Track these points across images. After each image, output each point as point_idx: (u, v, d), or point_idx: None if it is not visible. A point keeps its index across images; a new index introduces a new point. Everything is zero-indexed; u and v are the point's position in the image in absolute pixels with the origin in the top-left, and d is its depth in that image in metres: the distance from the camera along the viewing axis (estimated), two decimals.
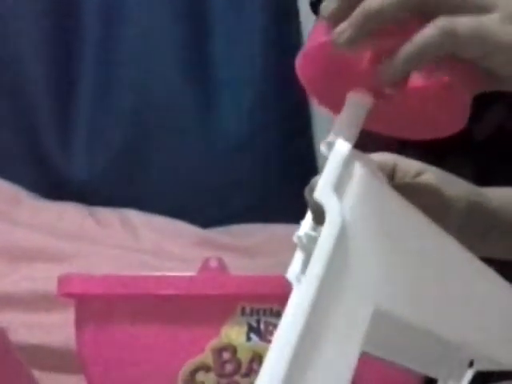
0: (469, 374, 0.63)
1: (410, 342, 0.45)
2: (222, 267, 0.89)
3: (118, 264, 1.34)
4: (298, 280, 0.37)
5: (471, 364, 0.62)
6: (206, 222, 1.57)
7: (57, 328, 1.18)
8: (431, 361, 0.55)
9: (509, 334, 0.46)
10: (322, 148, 0.37)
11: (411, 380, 0.87)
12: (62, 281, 0.87)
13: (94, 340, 0.86)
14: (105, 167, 1.60)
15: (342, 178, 0.36)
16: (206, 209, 1.59)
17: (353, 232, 0.35)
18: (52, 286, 0.88)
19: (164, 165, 1.62)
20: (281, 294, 0.51)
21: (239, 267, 0.98)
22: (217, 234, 1.50)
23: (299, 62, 0.40)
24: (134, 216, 1.52)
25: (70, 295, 0.88)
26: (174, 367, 0.86)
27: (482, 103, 0.69)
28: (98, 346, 0.86)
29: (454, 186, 0.56)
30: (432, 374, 0.60)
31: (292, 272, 0.54)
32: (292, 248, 0.64)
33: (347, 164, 0.36)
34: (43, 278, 1.25)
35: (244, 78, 1.60)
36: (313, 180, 0.62)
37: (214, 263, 0.89)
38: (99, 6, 1.63)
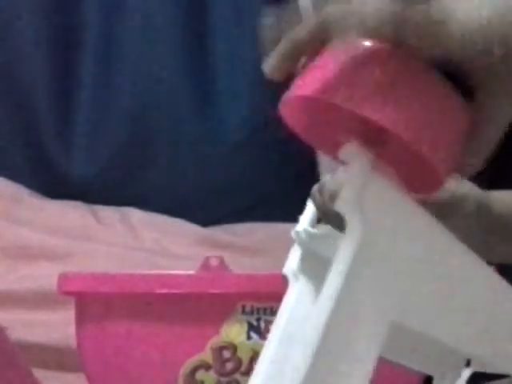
0: (465, 374, 0.63)
1: (412, 345, 0.44)
2: (223, 266, 0.89)
3: (119, 262, 1.34)
4: (295, 276, 0.36)
5: (468, 364, 0.62)
6: (206, 220, 1.57)
7: (58, 326, 1.18)
8: (428, 359, 0.55)
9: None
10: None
11: (413, 378, 0.87)
12: (62, 279, 0.87)
13: (94, 338, 0.86)
14: (105, 166, 1.60)
15: (365, 189, 0.35)
16: (207, 207, 1.60)
17: (373, 247, 0.34)
18: (53, 285, 0.88)
19: (164, 163, 1.62)
20: (281, 292, 0.52)
21: (240, 266, 0.98)
22: (217, 232, 1.50)
23: (282, 109, 0.38)
24: (135, 214, 1.52)
25: (69, 293, 0.88)
26: (174, 365, 0.86)
27: None
28: (98, 344, 0.86)
29: (464, 186, 0.56)
30: (428, 372, 0.60)
31: (289, 268, 0.54)
32: (291, 246, 0.64)
33: (369, 175, 0.35)
34: (44, 276, 1.26)
35: (243, 78, 1.60)
36: (323, 180, 0.62)
37: (214, 262, 0.89)
38: (99, 5, 1.63)
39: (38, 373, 0.87)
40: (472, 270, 0.41)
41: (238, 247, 1.42)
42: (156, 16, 1.64)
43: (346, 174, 0.35)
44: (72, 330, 0.88)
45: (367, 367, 0.34)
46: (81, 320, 0.87)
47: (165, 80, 1.62)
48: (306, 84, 0.36)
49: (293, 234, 0.62)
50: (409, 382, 0.87)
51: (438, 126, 0.35)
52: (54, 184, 1.60)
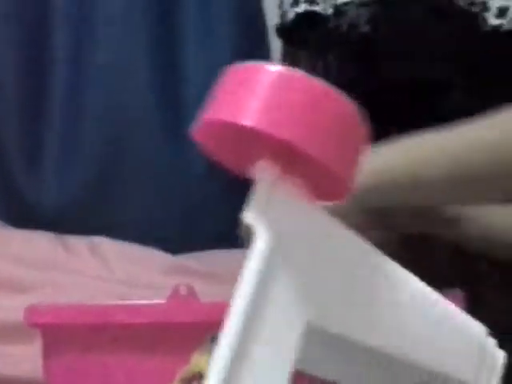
0: None
1: (349, 361, 0.45)
2: (192, 294, 0.89)
3: (88, 293, 1.33)
4: None
5: None
6: (177, 248, 1.56)
7: (26, 359, 1.17)
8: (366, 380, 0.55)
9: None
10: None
11: None
12: (29, 311, 0.86)
13: (61, 371, 0.85)
14: (74, 195, 1.59)
15: (270, 200, 0.37)
16: (177, 235, 1.59)
17: (281, 251, 0.37)
18: (21, 317, 0.87)
19: (134, 192, 1.62)
20: None
21: (209, 294, 0.97)
22: (187, 260, 1.50)
23: (194, 135, 0.39)
24: (104, 244, 1.51)
25: (36, 325, 0.87)
26: None
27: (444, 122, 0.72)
28: (65, 377, 0.85)
29: None
30: None
31: None
32: None
33: (275, 187, 0.38)
34: (12, 308, 1.24)
35: None
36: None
37: (183, 290, 0.88)
38: (70, 26, 1.63)
39: None
40: (375, 267, 0.43)
41: (208, 275, 1.42)
42: (126, 47, 1.64)
43: (254, 189, 0.38)
44: (40, 362, 0.87)
45: (282, 369, 0.36)
46: (48, 352, 0.86)
47: (134, 112, 1.62)
48: (213, 108, 0.38)
49: None
50: None
51: (341, 140, 0.38)
52: (23, 214, 1.58)
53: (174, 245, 1.55)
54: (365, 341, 0.41)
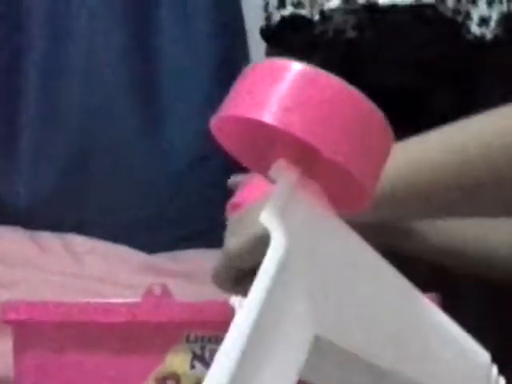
0: None
1: (342, 371, 0.45)
2: (166, 293, 0.88)
3: (61, 291, 1.31)
4: (241, 306, 0.36)
5: None
6: (151, 247, 1.55)
7: None
8: None
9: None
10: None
11: None
12: (1, 307, 0.85)
13: (32, 368, 0.84)
14: (47, 191, 1.58)
15: (288, 203, 0.36)
16: (152, 234, 1.58)
17: (296, 258, 0.35)
18: None
19: (109, 189, 1.60)
20: (226, 320, 0.51)
21: (184, 294, 0.96)
22: (162, 259, 1.49)
23: (213, 130, 0.37)
24: (78, 241, 1.50)
25: (8, 322, 0.85)
26: None
27: (424, 128, 0.71)
28: (36, 374, 0.84)
29: None
30: None
31: (235, 298, 0.54)
32: None
33: (294, 190, 0.36)
34: None
35: (190, 104, 1.59)
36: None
37: (157, 290, 0.87)
38: (44, 24, 1.61)
39: None
40: (389, 282, 0.42)
41: (182, 275, 1.41)
42: (101, 43, 1.63)
43: (272, 191, 0.36)
44: (11, 359, 0.86)
45: (289, 379, 0.35)
46: (18, 350, 0.85)
47: (108, 107, 1.60)
48: (237, 104, 0.36)
49: None
50: None
51: (365, 146, 0.36)
52: None
53: (148, 243, 1.54)
54: (370, 359, 0.40)
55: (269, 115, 0.35)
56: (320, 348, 0.36)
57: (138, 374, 0.84)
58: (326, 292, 0.37)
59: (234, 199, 0.82)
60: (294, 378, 0.35)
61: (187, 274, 1.40)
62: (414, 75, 1.02)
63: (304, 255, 0.36)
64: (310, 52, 1.07)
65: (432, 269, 0.91)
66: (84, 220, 1.56)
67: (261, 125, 0.35)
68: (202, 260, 1.46)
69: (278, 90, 0.35)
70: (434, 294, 0.76)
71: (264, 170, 0.39)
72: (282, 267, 0.34)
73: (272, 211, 0.35)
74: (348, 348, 0.38)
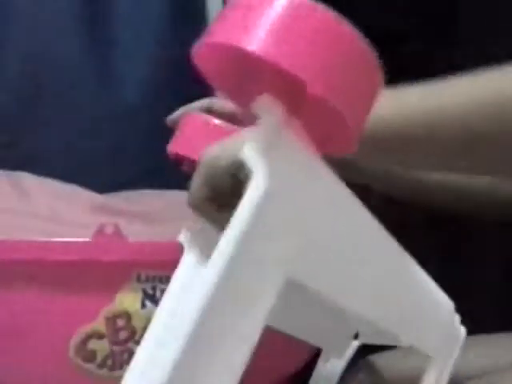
0: (353, 346, 0.65)
1: (303, 312, 0.45)
2: (118, 233, 0.87)
3: (9, 229, 1.30)
4: (189, 244, 0.36)
5: (356, 336, 0.64)
6: (102, 187, 1.53)
7: None
8: (318, 331, 0.55)
9: (406, 313, 0.47)
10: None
11: (302, 352, 0.88)
12: None
13: None
14: None
15: (272, 142, 0.34)
16: (103, 173, 1.56)
17: (274, 201, 0.34)
18: None
19: (58, 127, 1.58)
20: (177, 260, 0.50)
21: (136, 234, 0.96)
22: (114, 199, 1.47)
23: (195, 57, 0.36)
24: (27, 179, 1.47)
25: None
26: (65, 335, 0.84)
27: (403, 74, 0.70)
28: None
29: None
30: (317, 344, 0.60)
31: (185, 235, 0.53)
32: (189, 215, 0.63)
33: (279, 127, 0.35)
34: None
35: (144, 36, 1.56)
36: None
37: (109, 229, 0.87)
38: None
39: None
40: (369, 231, 0.42)
41: (134, 215, 1.40)
42: None
43: (256, 126, 0.35)
44: None
45: (258, 322, 0.34)
46: None
47: (59, 37, 1.56)
48: (225, 32, 0.34)
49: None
50: (298, 355, 0.88)
51: (354, 84, 0.35)
52: None
53: (99, 183, 1.52)
54: (338, 300, 0.40)
55: (257, 45, 0.33)
56: (290, 292, 0.36)
57: (89, 313, 0.84)
58: (303, 235, 0.36)
59: (175, 149, 0.80)
60: (263, 322, 0.34)
61: (139, 215, 1.39)
62: (387, 19, 1.02)
63: (283, 198, 0.35)
64: None
65: (386, 205, 0.92)
66: (32, 158, 1.54)
67: (248, 55, 0.34)
68: (155, 200, 1.45)
69: (268, 21, 0.34)
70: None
71: (245, 104, 0.38)
72: (259, 211, 0.33)
73: (254, 149, 0.34)
74: (319, 291, 0.38)
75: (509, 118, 0.60)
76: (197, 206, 0.58)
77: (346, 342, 0.63)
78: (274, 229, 0.34)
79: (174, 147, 0.79)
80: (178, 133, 0.81)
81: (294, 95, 0.35)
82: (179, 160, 0.79)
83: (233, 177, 0.43)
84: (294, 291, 0.36)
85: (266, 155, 0.33)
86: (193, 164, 0.65)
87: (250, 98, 0.37)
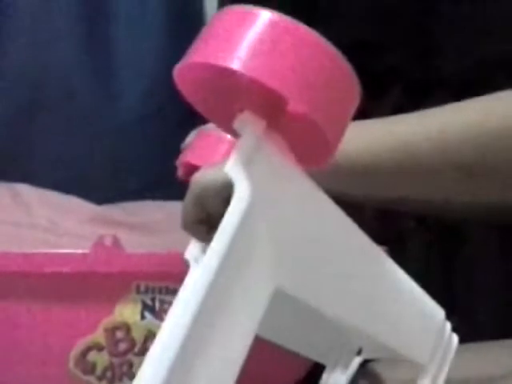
0: (356, 362, 0.65)
1: (304, 328, 0.45)
2: (117, 244, 0.88)
3: (9, 241, 1.30)
4: (196, 260, 0.36)
5: (359, 352, 0.64)
6: (101, 198, 1.54)
7: None
8: (321, 347, 0.55)
9: (401, 324, 0.47)
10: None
11: (296, 367, 0.88)
12: None
13: None
14: None
15: (253, 156, 0.35)
16: (102, 185, 1.56)
17: (259, 210, 0.35)
18: None
19: (59, 138, 1.58)
20: (176, 272, 0.50)
21: (135, 245, 0.96)
22: (112, 210, 1.48)
23: (176, 79, 0.36)
24: (26, 191, 1.48)
25: None
26: (64, 347, 0.84)
27: (380, 85, 0.71)
28: None
29: None
30: (321, 360, 0.61)
31: (190, 252, 0.53)
32: None
33: (260, 141, 0.36)
34: None
35: (146, 48, 1.57)
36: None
37: (108, 240, 0.87)
38: None
39: None
40: (354, 240, 0.43)
41: (133, 226, 1.40)
42: None
43: (238, 141, 0.36)
44: None
45: (247, 333, 0.35)
46: None
47: (60, 49, 1.57)
48: (204, 51, 0.35)
49: None
50: (297, 366, 0.88)
51: (334, 99, 0.35)
52: None
53: (98, 195, 1.52)
54: (327, 311, 0.40)
55: (236, 62, 0.34)
56: (279, 302, 0.36)
57: (88, 325, 0.84)
58: (288, 245, 0.37)
59: (186, 157, 0.80)
60: (253, 333, 0.34)
61: (138, 226, 1.39)
62: (363, 31, 1.02)
63: (267, 208, 0.35)
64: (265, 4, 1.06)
65: (377, 215, 0.92)
66: (32, 170, 1.54)
67: (227, 72, 0.34)
68: (154, 212, 1.46)
69: (246, 37, 0.34)
70: (383, 247, 0.77)
71: (226, 123, 0.38)
72: (245, 220, 0.34)
73: (237, 162, 0.35)
74: (307, 302, 0.38)
75: (488, 150, 0.61)
76: (187, 228, 0.61)
77: (349, 357, 0.64)
78: (258, 240, 0.35)
79: (186, 157, 0.80)
80: (190, 146, 0.82)
81: (273, 110, 0.36)
82: (188, 172, 0.79)
83: (224, 200, 0.44)
84: (288, 305, 0.36)
85: (246, 168, 0.34)
86: None
87: (230, 117, 0.37)
